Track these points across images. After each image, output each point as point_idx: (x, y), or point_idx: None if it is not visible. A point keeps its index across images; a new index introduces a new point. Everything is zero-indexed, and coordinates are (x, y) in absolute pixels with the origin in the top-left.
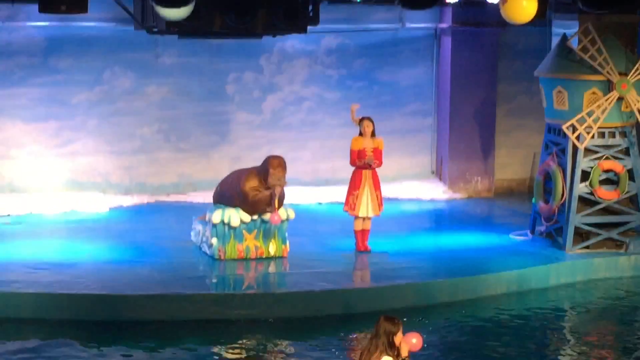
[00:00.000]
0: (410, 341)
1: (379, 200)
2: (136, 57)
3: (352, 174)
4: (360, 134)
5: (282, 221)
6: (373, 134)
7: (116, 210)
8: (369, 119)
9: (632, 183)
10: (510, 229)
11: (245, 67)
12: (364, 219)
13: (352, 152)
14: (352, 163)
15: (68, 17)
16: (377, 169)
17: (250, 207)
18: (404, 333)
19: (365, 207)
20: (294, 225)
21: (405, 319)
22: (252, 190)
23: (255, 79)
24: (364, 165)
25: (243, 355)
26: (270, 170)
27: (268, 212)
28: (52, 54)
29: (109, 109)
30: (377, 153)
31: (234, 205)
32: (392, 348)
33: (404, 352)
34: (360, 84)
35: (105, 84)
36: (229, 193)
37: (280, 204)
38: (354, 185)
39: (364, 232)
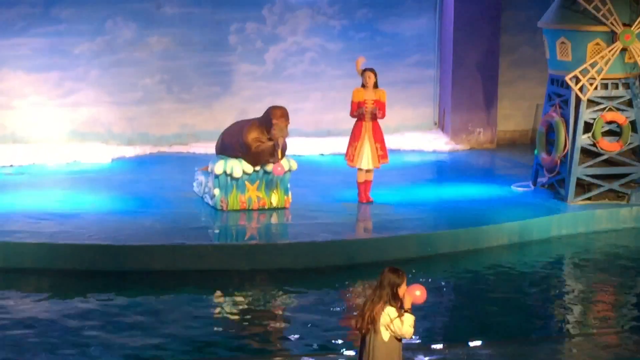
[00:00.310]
0: (413, 293)
1: (381, 152)
2: (138, 7)
3: (353, 125)
4: (363, 85)
5: (285, 172)
6: (375, 86)
7: (118, 161)
8: (372, 70)
9: (635, 135)
10: (512, 181)
11: (247, 17)
12: (366, 170)
13: (352, 103)
14: (352, 114)
15: None
16: (379, 121)
17: (253, 158)
18: (407, 285)
19: (365, 159)
20: (296, 177)
21: (410, 275)
22: (255, 141)
23: (258, 30)
24: (359, 115)
25: (245, 306)
26: (273, 121)
27: (271, 162)
28: (53, 4)
29: (111, 60)
30: (379, 105)
31: (236, 156)
32: (396, 299)
33: (407, 304)
34: (363, 34)
35: (107, 34)
36: (231, 144)
37: (283, 154)
38: (354, 136)
39: (366, 183)
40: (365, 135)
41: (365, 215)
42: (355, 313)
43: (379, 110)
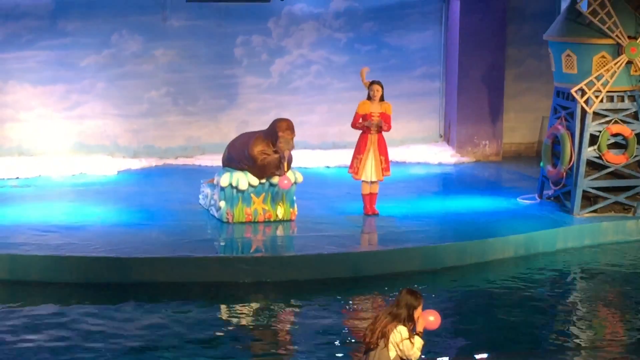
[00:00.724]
0: (427, 318)
1: (384, 165)
2: (144, 20)
3: (359, 137)
4: (369, 97)
5: (291, 185)
6: (382, 99)
7: (124, 173)
8: (379, 83)
9: None
10: (518, 193)
11: (253, 30)
12: (371, 182)
13: (356, 115)
14: (353, 125)
15: None
16: (384, 133)
17: (259, 170)
18: (423, 309)
19: (369, 171)
20: (302, 189)
21: (418, 290)
22: (261, 154)
23: (264, 43)
24: (364, 127)
25: (250, 318)
26: (279, 134)
27: (277, 175)
28: (60, 17)
29: (117, 72)
30: (385, 117)
31: (242, 169)
32: (410, 321)
33: (420, 328)
34: (369, 47)
35: (113, 47)
36: (237, 157)
37: (289, 167)
38: (359, 149)
39: (372, 195)
40: (370, 147)
41: (371, 227)
42: (361, 328)
43: (384, 123)
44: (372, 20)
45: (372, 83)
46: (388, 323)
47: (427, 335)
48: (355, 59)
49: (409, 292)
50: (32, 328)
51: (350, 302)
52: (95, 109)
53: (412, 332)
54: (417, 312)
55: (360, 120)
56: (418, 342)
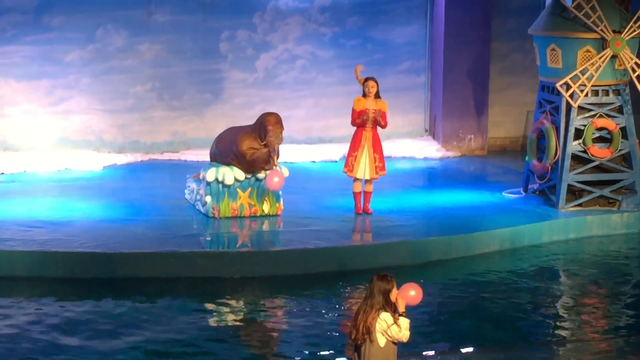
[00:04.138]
0: (407, 294)
1: (379, 164)
2: (129, 15)
3: (353, 134)
4: (364, 94)
5: (281, 187)
6: (377, 95)
7: (110, 168)
8: (374, 79)
9: (625, 141)
10: (503, 187)
11: (238, 25)
12: (366, 181)
13: (353, 111)
14: (353, 123)
15: None
16: (378, 131)
17: (248, 166)
18: (398, 287)
19: (362, 169)
20: (288, 184)
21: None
22: (249, 149)
23: (249, 37)
24: (362, 121)
25: (237, 313)
26: (269, 128)
27: (266, 169)
28: (44, 12)
29: (102, 67)
30: (381, 114)
31: (228, 163)
32: (389, 305)
33: (402, 308)
34: (354, 42)
35: (98, 41)
36: (224, 151)
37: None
38: (354, 146)
39: (366, 194)
40: (365, 144)
41: (357, 222)
42: (348, 322)
43: (381, 118)
44: (357, 15)
45: (367, 79)
46: (368, 315)
47: (412, 329)
48: (341, 53)
49: (379, 278)
50: (17, 324)
51: (337, 296)
52: (80, 104)
53: (395, 314)
54: (393, 294)
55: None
56: (404, 322)
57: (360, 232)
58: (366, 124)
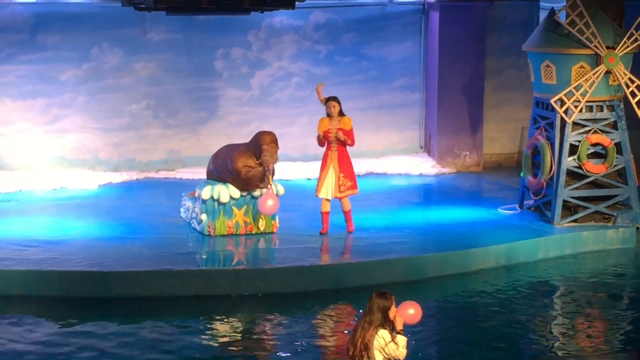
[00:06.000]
0: (406, 313)
1: (346, 182)
2: (124, 34)
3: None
4: (328, 115)
5: (275, 212)
6: (341, 114)
7: (105, 187)
8: (335, 99)
9: (620, 156)
10: (498, 203)
11: (233, 43)
12: (340, 200)
13: (317, 135)
14: (320, 144)
15: None
16: (349, 148)
17: (243, 183)
18: (397, 305)
19: (324, 189)
20: (283, 201)
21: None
22: (244, 167)
23: (244, 55)
24: (328, 142)
25: (233, 331)
26: (264, 147)
27: (261, 188)
28: (39, 31)
29: (97, 86)
30: (345, 133)
31: (224, 181)
32: (387, 322)
33: (399, 326)
34: (349, 59)
35: (93, 60)
36: (220, 169)
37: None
38: (321, 166)
39: (345, 214)
40: (330, 165)
41: (352, 239)
42: (345, 339)
43: (347, 137)
44: (352, 32)
45: (328, 99)
46: (367, 332)
47: (408, 346)
48: (336, 70)
49: (378, 295)
50: (13, 343)
51: (333, 314)
52: (75, 122)
53: (393, 331)
54: (392, 312)
55: (322, 137)
56: (402, 341)
57: (356, 249)
58: (331, 145)
